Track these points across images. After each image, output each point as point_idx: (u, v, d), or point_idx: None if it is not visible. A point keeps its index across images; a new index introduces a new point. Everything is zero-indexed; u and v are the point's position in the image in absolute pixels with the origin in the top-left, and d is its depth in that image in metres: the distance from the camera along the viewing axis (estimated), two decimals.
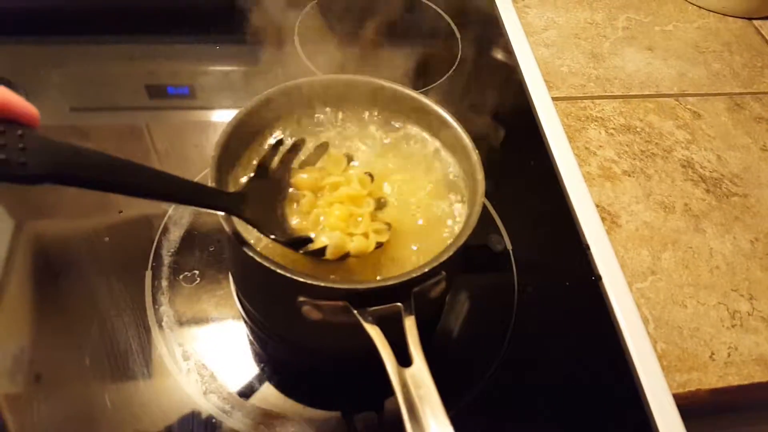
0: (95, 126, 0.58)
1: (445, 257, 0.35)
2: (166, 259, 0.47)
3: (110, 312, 0.44)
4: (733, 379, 0.48)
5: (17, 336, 0.42)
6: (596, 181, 0.60)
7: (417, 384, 0.30)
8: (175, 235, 0.48)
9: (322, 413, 0.42)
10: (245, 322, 0.45)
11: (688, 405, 0.46)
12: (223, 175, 0.38)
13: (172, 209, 0.50)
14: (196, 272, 0.46)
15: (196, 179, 0.50)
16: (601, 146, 0.64)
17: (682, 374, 0.48)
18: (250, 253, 0.34)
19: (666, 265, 0.54)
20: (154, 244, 0.48)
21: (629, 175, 0.61)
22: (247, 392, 0.41)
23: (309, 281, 0.33)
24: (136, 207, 0.50)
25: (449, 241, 0.36)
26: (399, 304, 0.34)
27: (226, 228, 0.34)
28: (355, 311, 0.33)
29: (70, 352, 0.42)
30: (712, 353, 0.49)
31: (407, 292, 0.34)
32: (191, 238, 0.48)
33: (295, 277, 0.33)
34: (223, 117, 0.59)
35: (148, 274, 0.46)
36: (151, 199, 0.31)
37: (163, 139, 0.57)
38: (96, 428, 0.39)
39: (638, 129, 0.66)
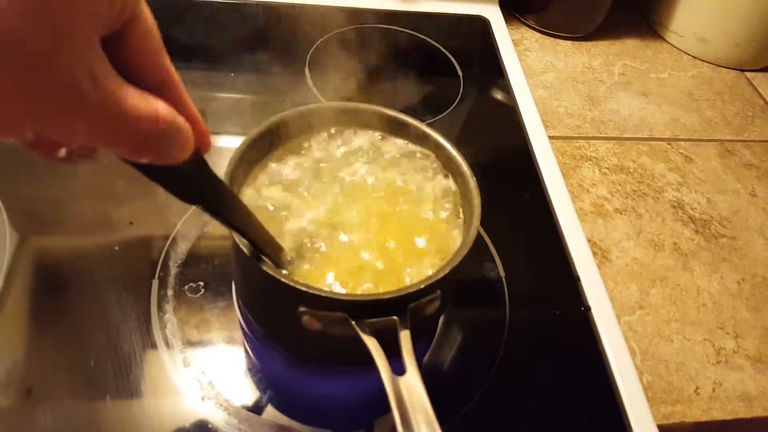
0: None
1: (440, 275, 0.37)
2: (173, 270, 0.49)
3: (116, 317, 0.45)
4: (717, 414, 0.49)
5: (17, 345, 0.44)
6: (589, 217, 0.63)
7: (410, 392, 0.31)
8: (183, 247, 0.50)
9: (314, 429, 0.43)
10: (245, 333, 0.46)
11: None
12: (236, 190, 0.40)
13: (180, 224, 0.52)
14: (201, 283, 0.48)
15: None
16: (594, 184, 0.66)
17: (667, 406, 0.49)
18: (255, 261, 0.35)
19: (654, 300, 0.56)
20: (162, 255, 0.49)
21: (621, 213, 0.64)
22: (243, 401, 0.42)
23: (310, 291, 0.35)
24: (146, 219, 0.52)
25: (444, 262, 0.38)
26: (395, 317, 0.35)
27: (234, 235, 0.36)
28: (353, 322, 0.35)
29: (75, 355, 0.43)
30: (697, 388, 0.50)
31: (403, 306, 0.36)
32: (198, 252, 0.50)
33: (296, 287, 0.35)
34: (231, 143, 0.61)
35: (155, 283, 0.48)
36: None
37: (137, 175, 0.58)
38: (97, 427, 0.40)
39: (631, 170, 0.69)
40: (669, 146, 0.73)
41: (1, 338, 0.44)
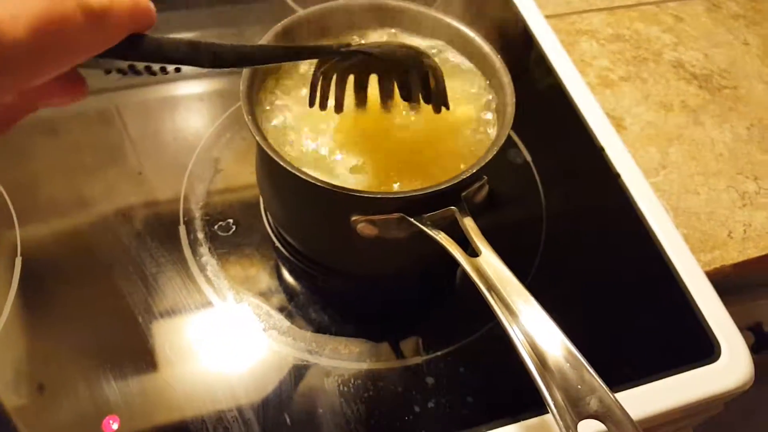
0: (60, 117, 0.51)
1: (488, 158, 0.36)
2: (197, 212, 0.47)
3: (152, 269, 0.44)
4: (753, 252, 0.51)
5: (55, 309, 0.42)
6: (596, 89, 0.62)
7: (490, 268, 0.31)
8: (201, 188, 0.48)
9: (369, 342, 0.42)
10: (285, 260, 0.45)
11: (715, 281, 0.48)
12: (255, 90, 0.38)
13: (191, 164, 0.49)
14: (230, 221, 0.46)
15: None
16: (595, 57, 0.65)
17: (706, 254, 0.50)
18: (302, 176, 0.34)
19: (674, 158, 0.57)
20: (182, 199, 0.47)
21: (626, 81, 0.63)
22: (302, 322, 0.42)
23: (364, 194, 0.34)
24: (154, 165, 0.49)
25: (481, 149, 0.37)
26: (453, 207, 0.35)
27: (278, 160, 0.34)
28: (413, 219, 0.34)
29: (120, 315, 0.42)
30: (730, 232, 0.52)
31: (458, 195, 0.35)
32: (217, 189, 0.48)
33: (349, 192, 0.34)
34: (203, 87, 0.55)
35: (182, 228, 0.46)
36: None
37: (138, 123, 0.52)
38: (161, 369, 0.39)
39: (627, 37, 0.68)
40: (658, 9, 0.72)
41: (34, 304, 0.42)
